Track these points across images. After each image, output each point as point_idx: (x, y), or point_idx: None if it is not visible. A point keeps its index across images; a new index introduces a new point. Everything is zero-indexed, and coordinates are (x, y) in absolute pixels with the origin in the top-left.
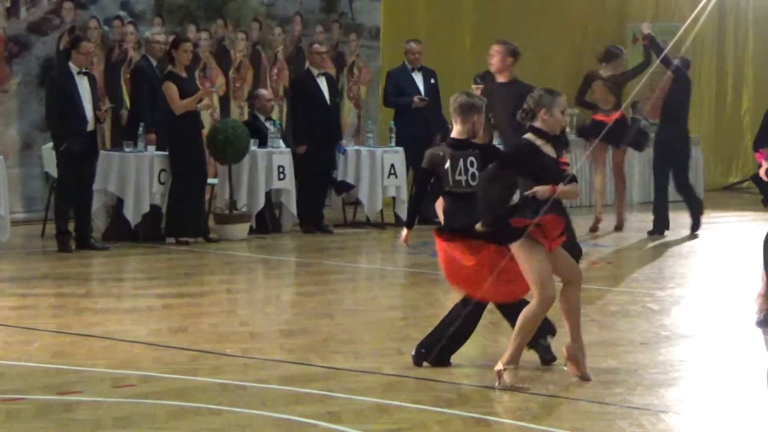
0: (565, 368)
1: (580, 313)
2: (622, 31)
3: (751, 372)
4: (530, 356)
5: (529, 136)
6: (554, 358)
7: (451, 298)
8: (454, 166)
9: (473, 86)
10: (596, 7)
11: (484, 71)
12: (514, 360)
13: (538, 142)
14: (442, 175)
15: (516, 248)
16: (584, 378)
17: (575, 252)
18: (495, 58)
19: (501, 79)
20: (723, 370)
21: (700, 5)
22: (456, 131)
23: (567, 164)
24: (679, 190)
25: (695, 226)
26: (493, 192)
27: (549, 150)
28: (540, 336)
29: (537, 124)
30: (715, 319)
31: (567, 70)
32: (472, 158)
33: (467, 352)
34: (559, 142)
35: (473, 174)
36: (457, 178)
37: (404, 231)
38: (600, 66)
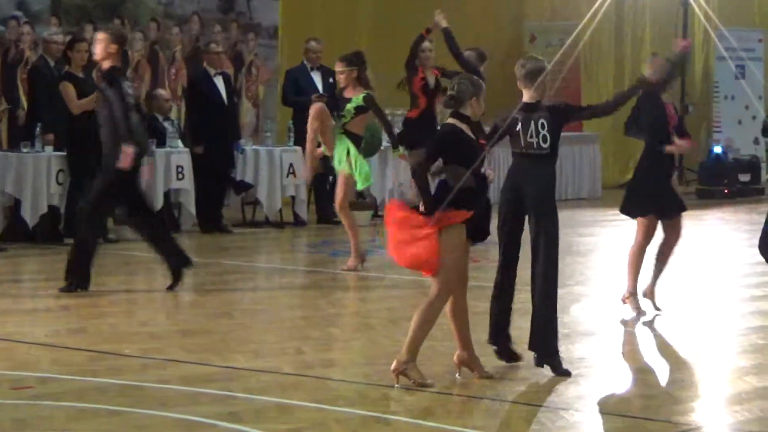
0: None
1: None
2: (521, 31)
3: (651, 369)
4: (428, 353)
5: (452, 121)
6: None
7: (348, 298)
8: (525, 128)
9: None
10: (493, 7)
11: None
12: (413, 356)
13: (462, 126)
14: (513, 136)
15: (448, 232)
16: (486, 377)
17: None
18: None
19: None
20: (623, 368)
21: (597, 3)
22: (527, 96)
23: (485, 145)
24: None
25: None
26: (423, 179)
27: (470, 134)
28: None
29: (466, 111)
30: (615, 317)
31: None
32: (543, 120)
33: (366, 350)
34: (478, 126)
35: (544, 136)
36: (529, 140)
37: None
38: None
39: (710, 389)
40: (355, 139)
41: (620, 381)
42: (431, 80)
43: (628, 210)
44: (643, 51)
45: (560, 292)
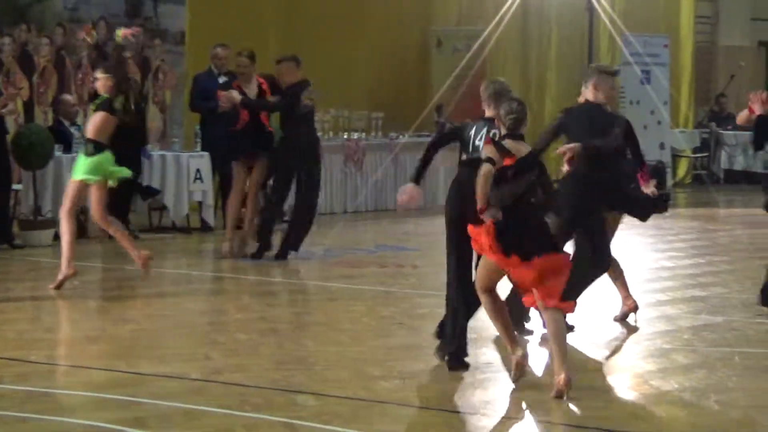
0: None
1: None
2: (427, 36)
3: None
4: (335, 358)
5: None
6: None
7: (255, 303)
8: (477, 133)
9: None
10: (399, 12)
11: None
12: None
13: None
14: (464, 143)
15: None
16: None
17: None
18: None
19: None
20: (530, 372)
21: (504, 9)
22: (488, 113)
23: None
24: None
25: None
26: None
27: None
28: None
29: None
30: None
31: (371, 74)
32: (495, 132)
33: (274, 355)
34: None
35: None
36: (476, 143)
37: (410, 186)
38: None
39: (616, 393)
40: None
41: (527, 386)
42: (251, 90)
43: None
44: (549, 56)
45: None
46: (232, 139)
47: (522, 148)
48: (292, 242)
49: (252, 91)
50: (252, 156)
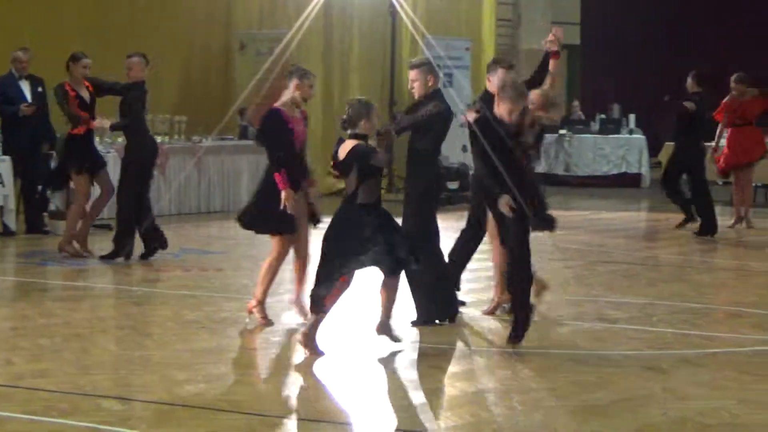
0: None
1: None
2: (229, 39)
3: (364, 377)
4: (141, 362)
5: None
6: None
7: (58, 308)
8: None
9: None
10: (202, 14)
11: None
12: None
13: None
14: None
15: None
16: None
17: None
18: None
19: None
20: (339, 372)
21: (306, 12)
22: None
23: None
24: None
25: None
26: None
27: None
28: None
29: (358, 130)
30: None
31: (175, 78)
32: None
33: (78, 360)
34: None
35: None
36: None
37: None
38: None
39: (421, 395)
40: None
41: (331, 388)
42: (86, 95)
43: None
44: (351, 59)
45: (271, 300)
46: (72, 142)
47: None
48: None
49: (85, 94)
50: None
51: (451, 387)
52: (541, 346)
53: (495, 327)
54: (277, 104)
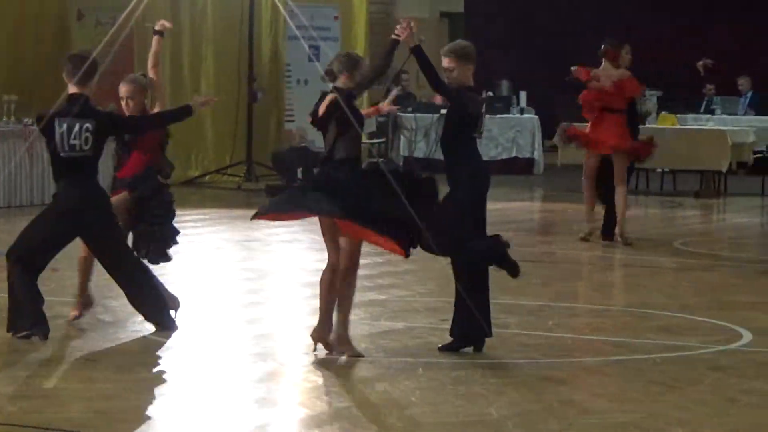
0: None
1: None
2: (66, 6)
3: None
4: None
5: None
6: None
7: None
8: None
9: None
10: None
11: None
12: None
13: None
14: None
15: None
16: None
17: None
18: None
19: None
20: (211, 380)
21: None
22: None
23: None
24: None
25: None
26: None
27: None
28: None
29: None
30: (190, 327)
31: (3, 50)
32: None
33: None
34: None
35: None
36: None
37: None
38: None
39: (288, 410)
40: None
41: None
42: None
43: None
44: (204, 26)
45: (115, 304)
46: None
47: None
48: None
49: None
50: None
51: (318, 401)
52: (423, 354)
53: (369, 333)
54: None
